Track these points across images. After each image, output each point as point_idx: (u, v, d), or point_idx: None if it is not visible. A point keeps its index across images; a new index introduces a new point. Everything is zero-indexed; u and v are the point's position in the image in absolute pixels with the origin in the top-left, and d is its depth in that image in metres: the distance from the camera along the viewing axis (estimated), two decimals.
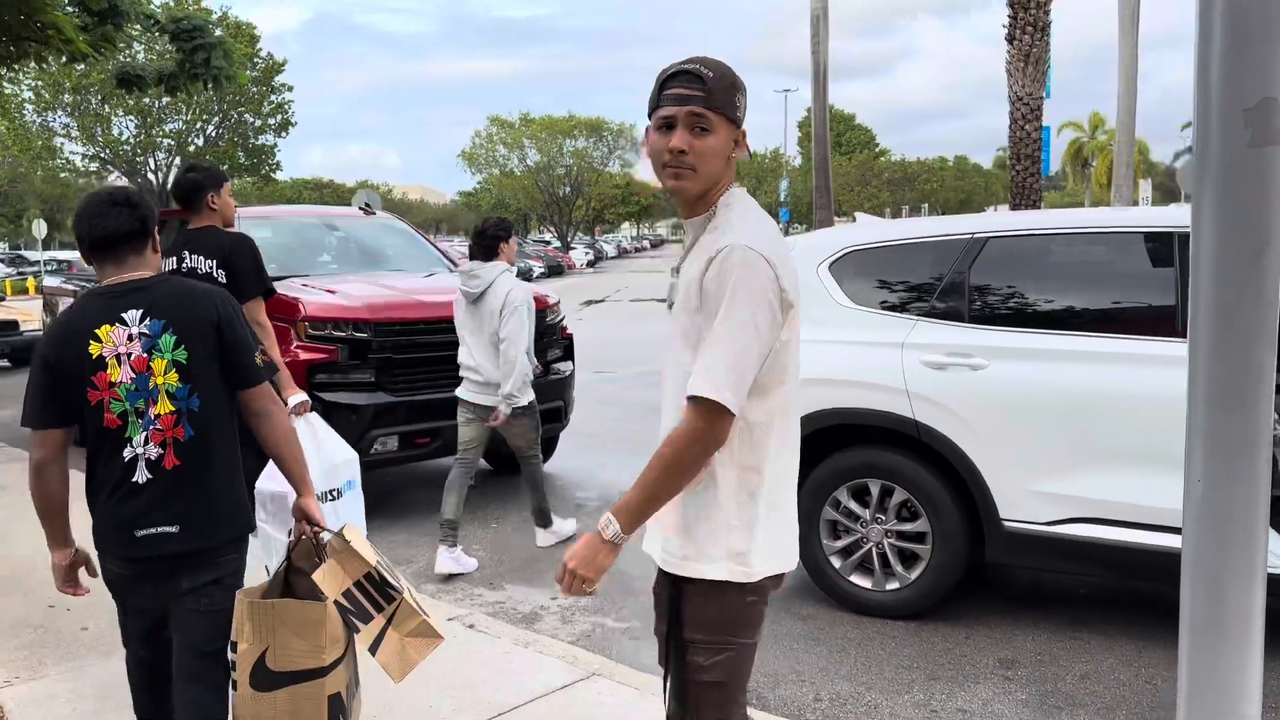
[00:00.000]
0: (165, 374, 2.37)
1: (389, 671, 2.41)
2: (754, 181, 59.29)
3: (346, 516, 3.42)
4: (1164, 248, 3.93)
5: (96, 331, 2.35)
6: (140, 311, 2.38)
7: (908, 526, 4.16)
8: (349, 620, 2.42)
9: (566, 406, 6.74)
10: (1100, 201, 53.42)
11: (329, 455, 3.76)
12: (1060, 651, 3.90)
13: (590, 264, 51.41)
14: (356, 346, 5.82)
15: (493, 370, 5.04)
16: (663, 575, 2.06)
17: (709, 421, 1.82)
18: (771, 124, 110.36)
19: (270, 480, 3.43)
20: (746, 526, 1.93)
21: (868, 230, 4.52)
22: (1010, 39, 13.25)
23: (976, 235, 4.18)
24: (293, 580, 2.54)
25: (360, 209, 7.99)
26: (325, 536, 2.52)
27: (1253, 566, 1.68)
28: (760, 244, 1.84)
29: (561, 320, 6.88)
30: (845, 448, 4.26)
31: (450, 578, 4.89)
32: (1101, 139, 55.74)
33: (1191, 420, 1.69)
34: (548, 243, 56.46)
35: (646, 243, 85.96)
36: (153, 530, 2.37)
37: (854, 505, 4.26)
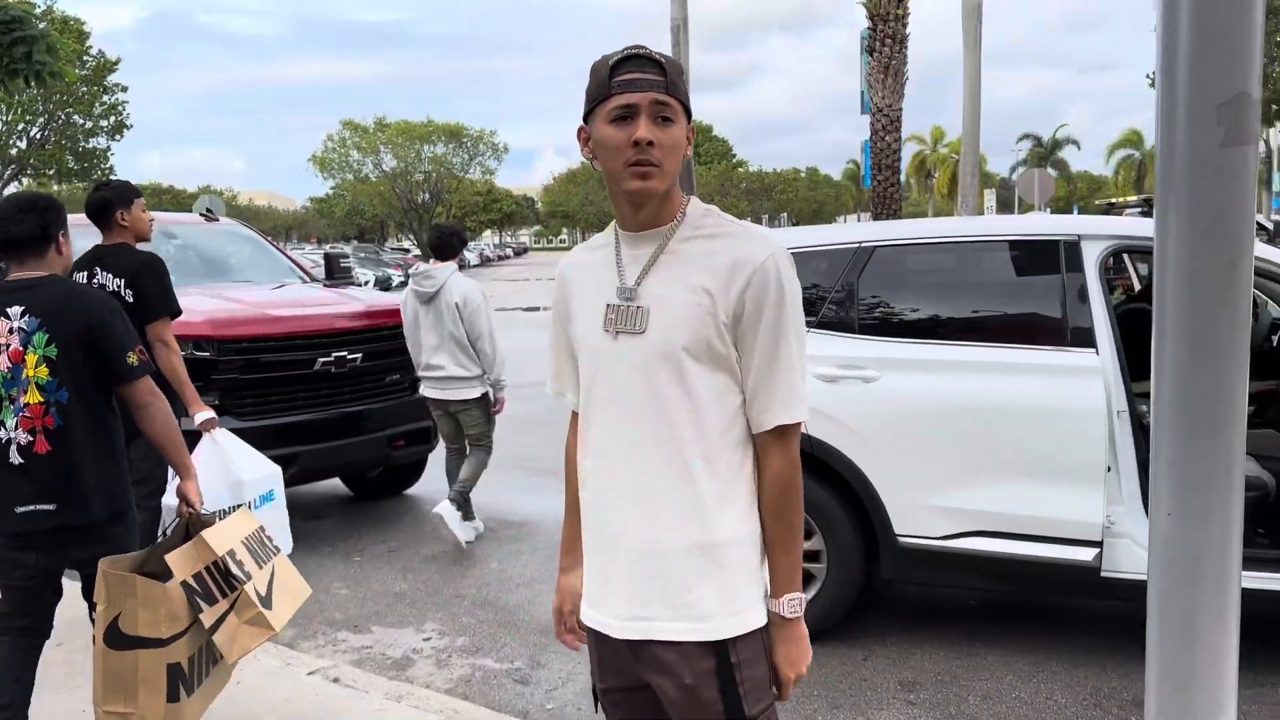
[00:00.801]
0: (36, 367, 2.70)
1: (223, 651, 2.79)
2: None
3: (271, 531, 3.28)
4: (1050, 255, 3.90)
5: None
6: (22, 308, 2.72)
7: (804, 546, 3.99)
8: (194, 600, 2.73)
9: (436, 426, 6.34)
10: (943, 211, 55.96)
11: (236, 471, 3.79)
12: (960, 670, 3.80)
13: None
14: (198, 367, 5.26)
15: (454, 367, 5.47)
16: (676, 655, 1.66)
17: (797, 445, 1.70)
18: None
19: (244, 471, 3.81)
20: (761, 548, 1.73)
21: None
22: (870, 51, 13.55)
23: (864, 244, 4.07)
24: (166, 560, 2.77)
25: (202, 215, 7.35)
26: (206, 515, 2.95)
27: (1227, 606, 1.53)
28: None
29: None
30: None
31: (313, 620, 4.45)
32: (943, 151, 58.43)
33: (1158, 448, 1.52)
34: (407, 251, 55.00)
35: (510, 250, 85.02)
36: (31, 508, 2.71)
37: None
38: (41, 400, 2.70)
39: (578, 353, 1.78)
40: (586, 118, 1.69)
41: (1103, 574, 3.65)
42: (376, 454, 6.01)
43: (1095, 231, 3.90)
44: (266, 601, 2.84)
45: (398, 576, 5.09)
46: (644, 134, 1.60)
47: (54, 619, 2.94)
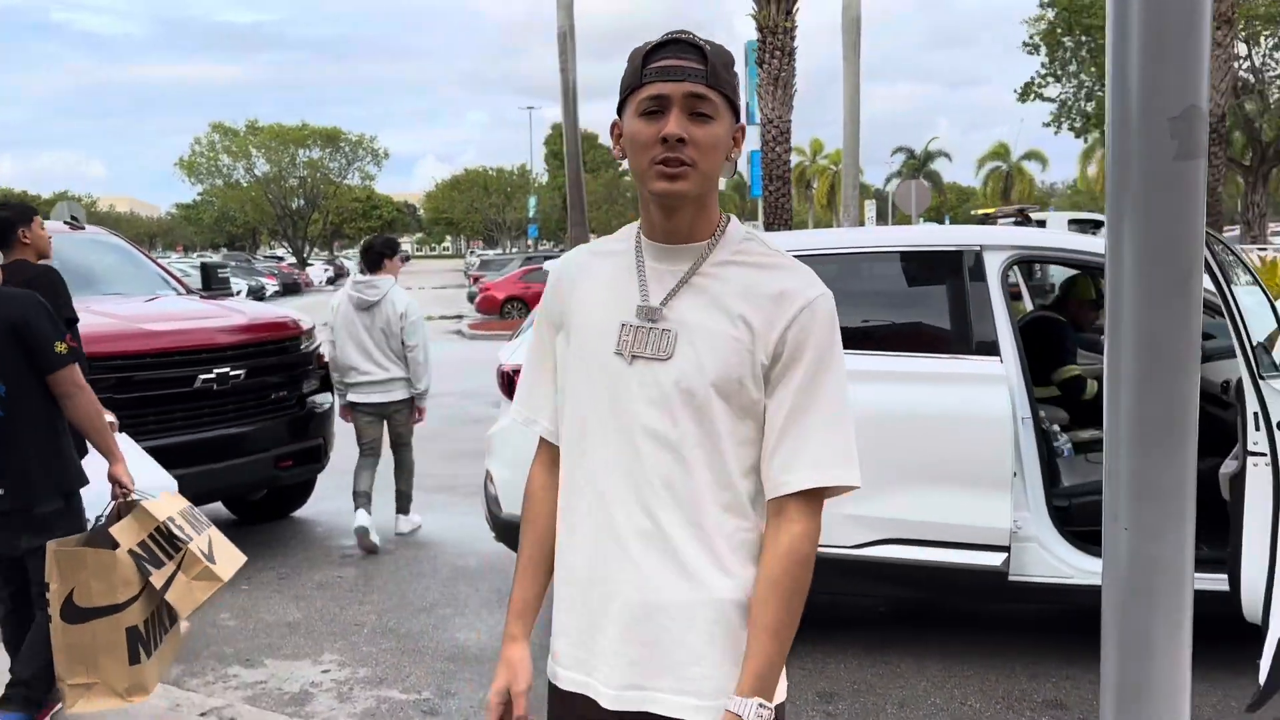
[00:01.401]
0: None
1: (176, 607, 3.02)
2: (502, 198, 58.88)
3: None
4: (955, 265, 3.96)
5: None
6: None
7: None
8: (142, 566, 2.98)
9: (326, 444, 6.08)
10: (823, 222, 57.43)
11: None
12: (875, 679, 3.81)
13: (330, 281, 48.95)
14: None
15: (389, 371, 5.74)
16: None
17: (820, 517, 1.47)
18: (517, 141, 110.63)
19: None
20: None
21: None
22: (760, 63, 13.72)
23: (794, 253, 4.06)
24: (110, 533, 3.00)
25: (66, 223, 6.87)
26: (135, 497, 3.10)
27: (1182, 618, 1.53)
28: None
29: (317, 347, 6.20)
30: None
31: (202, 653, 4.17)
32: (822, 163, 59.99)
33: (1114, 461, 1.51)
34: (281, 259, 53.19)
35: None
36: None
37: None
38: None
39: (567, 372, 1.54)
40: (620, 109, 1.49)
41: (1010, 578, 3.72)
42: (262, 475, 5.70)
43: (997, 242, 3.98)
44: (211, 558, 3.06)
45: (290, 605, 4.82)
46: (673, 129, 1.39)
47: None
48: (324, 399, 6.11)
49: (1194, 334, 1.50)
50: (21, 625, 3.21)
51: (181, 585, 2.99)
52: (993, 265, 3.91)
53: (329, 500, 6.60)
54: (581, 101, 20.65)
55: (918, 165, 54.88)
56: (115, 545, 2.97)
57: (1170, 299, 1.48)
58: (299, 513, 6.51)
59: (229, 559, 3.17)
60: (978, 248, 3.94)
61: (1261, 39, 24.09)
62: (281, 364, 5.77)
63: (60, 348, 3.05)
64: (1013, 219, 14.20)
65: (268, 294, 32.35)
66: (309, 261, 54.00)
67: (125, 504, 3.11)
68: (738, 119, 1.48)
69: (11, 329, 2.99)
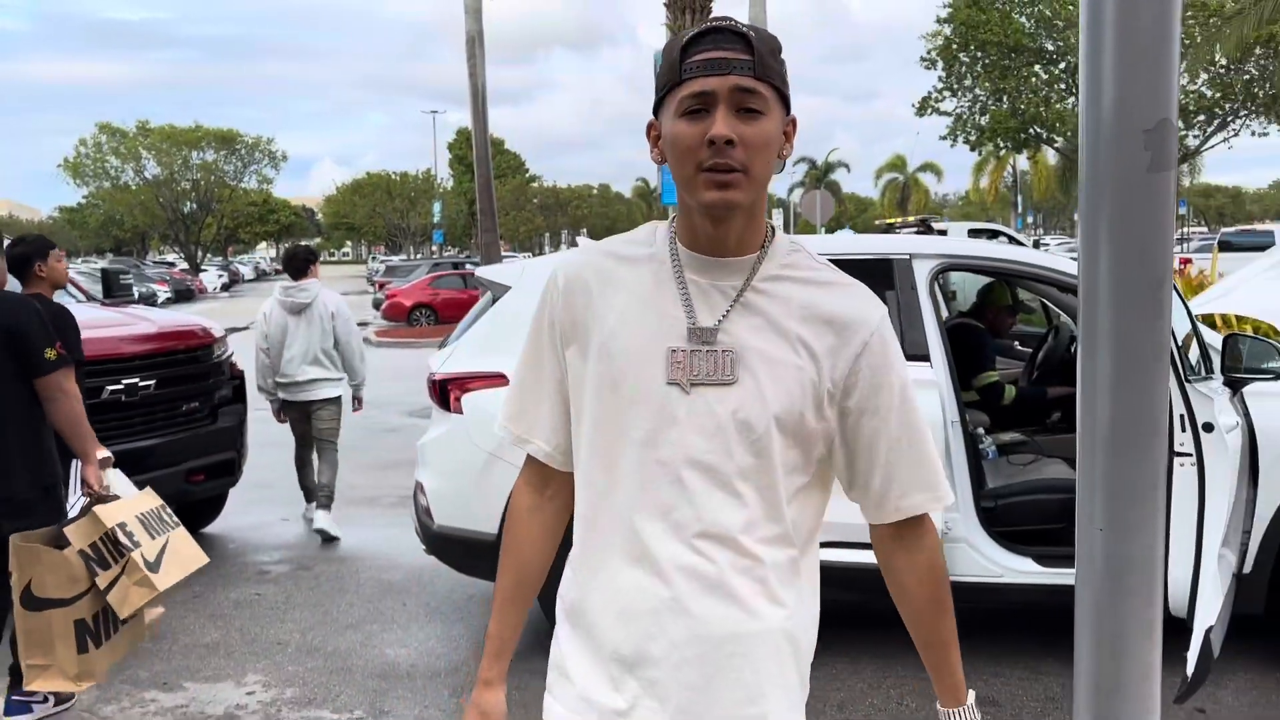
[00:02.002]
0: None
1: (115, 607, 3.22)
2: (405, 203, 57.88)
3: None
4: (886, 273, 4.04)
5: None
6: None
7: None
8: (90, 565, 3.20)
9: (240, 457, 5.86)
10: None
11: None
12: (813, 682, 3.82)
13: (225, 287, 47.34)
14: None
15: (320, 371, 5.99)
16: None
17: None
18: (420, 145, 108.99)
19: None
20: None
21: None
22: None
23: None
24: (65, 533, 3.21)
25: None
26: (106, 496, 3.34)
27: (1153, 619, 1.58)
28: None
29: (230, 356, 5.98)
30: None
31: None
32: None
33: (1087, 463, 1.54)
34: (172, 265, 51.21)
35: None
36: None
37: None
38: None
39: (591, 396, 1.38)
40: (656, 109, 1.34)
41: None
42: (173, 490, 5.42)
43: (925, 251, 4.08)
44: (153, 567, 3.25)
45: (207, 625, 4.62)
46: (721, 130, 1.24)
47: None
48: (237, 410, 5.89)
49: (1164, 339, 1.55)
50: (3, 612, 3.38)
51: (122, 588, 3.22)
52: (921, 273, 4.00)
53: (242, 515, 6.37)
54: (489, 106, 20.54)
55: (819, 175, 56.12)
56: (66, 545, 3.21)
57: (1143, 306, 1.52)
58: (210, 528, 6.25)
59: (178, 566, 3.37)
60: (907, 256, 4.03)
61: None
62: (192, 374, 5.54)
63: (50, 354, 3.25)
64: (914, 229, 14.65)
65: (159, 301, 31.09)
66: (202, 267, 52.07)
67: (91, 504, 3.33)
68: (789, 110, 1.34)
69: (5, 332, 3.20)
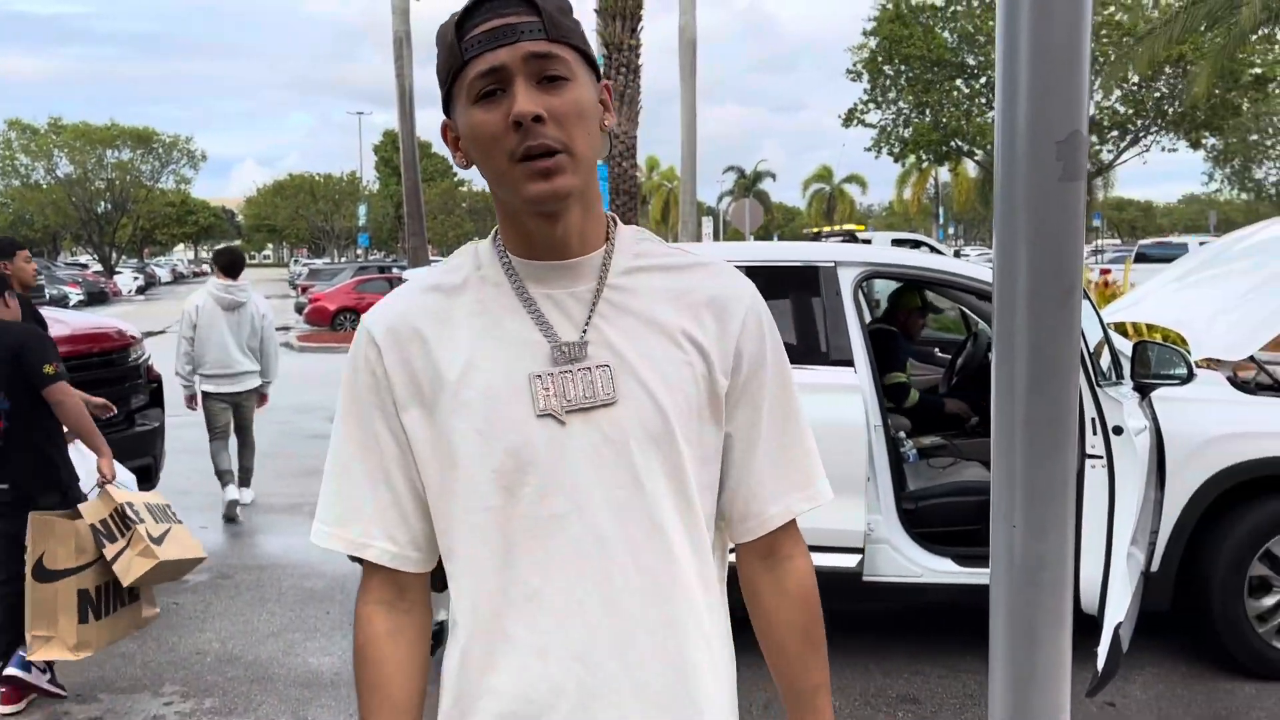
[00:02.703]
0: None
1: (120, 575, 3.59)
2: (330, 205, 56.88)
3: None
4: (813, 280, 4.11)
5: None
6: None
7: None
8: (99, 539, 3.59)
9: (157, 464, 5.69)
10: (659, 236, 58.38)
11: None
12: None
13: (140, 290, 45.92)
14: None
15: (248, 364, 6.49)
16: None
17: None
18: (345, 146, 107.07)
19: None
20: None
21: None
22: (607, 78, 13.80)
23: None
24: (79, 509, 3.67)
25: None
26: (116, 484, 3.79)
27: (1064, 613, 1.64)
28: None
29: (147, 359, 5.81)
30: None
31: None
32: (656, 179, 61.09)
33: (1002, 463, 1.60)
34: (85, 266, 49.47)
35: (207, 266, 78.97)
36: None
37: None
38: None
39: (451, 463, 1.12)
40: (446, 106, 1.14)
41: (864, 579, 3.88)
42: (85, 497, 5.28)
43: (849, 259, 4.16)
44: (156, 541, 3.63)
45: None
46: (524, 106, 1.04)
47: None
48: (154, 415, 5.73)
49: (1075, 345, 1.61)
50: (17, 604, 3.64)
51: (127, 559, 3.58)
52: (846, 280, 4.08)
53: None
54: (418, 108, 20.32)
55: (748, 184, 56.75)
56: (79, 517, 3.61)
57: (1055, 312, 1.58)
58: None
59: (179, 548, 3.73)
60: (833, 264, 4.11)
61: None
62: (108, 378, 5.37)
63: (49, 369, 3.66)
64: (840, 238, 15.02)
65: (70, 303, 30.02)
66: (117, 269, 50.43)
67: (101, 488, 3.77)
68: (599, 76, 1.14)
69: (12, 355, 3.64)
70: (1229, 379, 4.52)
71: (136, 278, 47.36)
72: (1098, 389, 3.30)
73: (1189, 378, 3.71)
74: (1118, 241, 59.73)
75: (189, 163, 54.55)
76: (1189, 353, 4.38)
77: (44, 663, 3.72)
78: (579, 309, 1.14)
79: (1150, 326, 8.60)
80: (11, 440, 3.67)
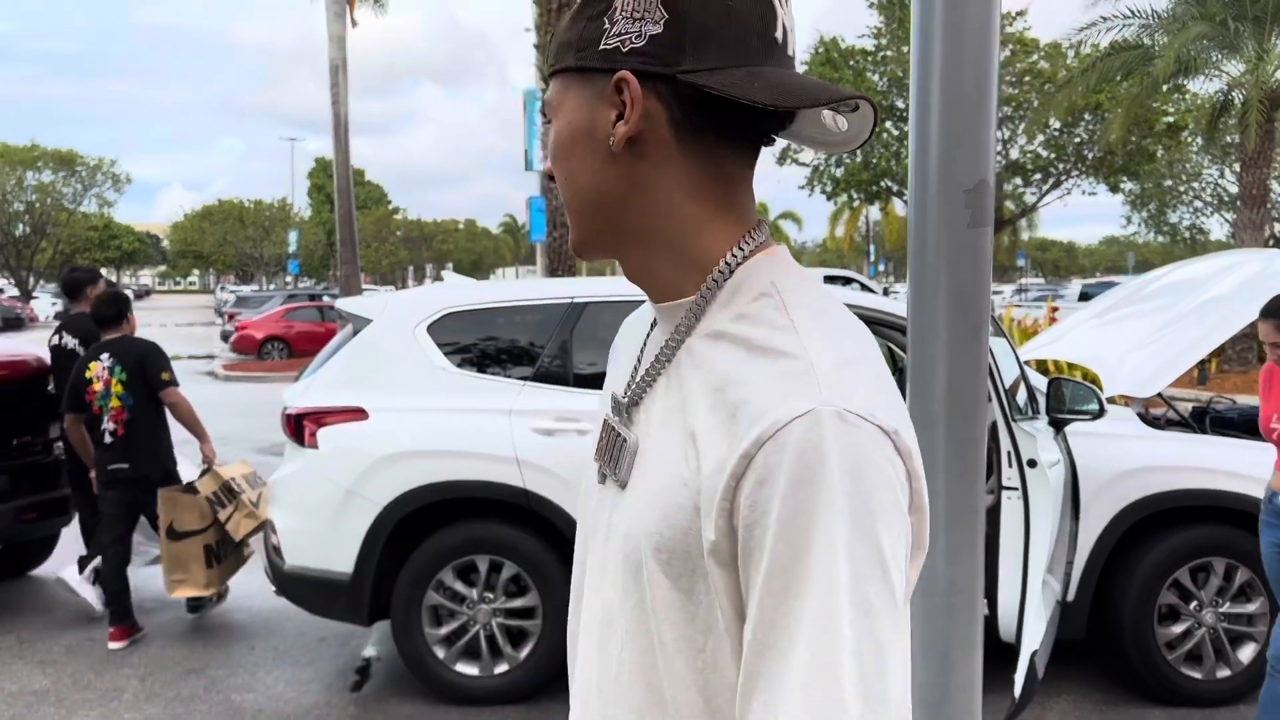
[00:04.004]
0: (115, 387, 4.68)
1: (231, 532, 4.74)
2: (260, 231, 55.91)
3: None
4: None
5: (90, 365, 4.73)
6: (109, 355, 4.73)
7: (517, 603, 3.94)
8: (213, 507, 4.74)
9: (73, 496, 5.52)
10: (596, 270, 58.61)
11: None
12: None
13: (59, 315, 44.46)
14: None
15: None
16: None
17: None
18: (276, 173, 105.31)
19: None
20: None
21: (466, 292, 4.29)
22: (544, 111, 13.88)
23: (575, 300, 4.14)
24: (195, 485, 4.81)
25: None
26: (215, 465, 4.96)
27: (976, 635, 1.72)
28: (873, 400, 0.77)
29: None
30: (450, 524, 3.93)
31: None
32: None
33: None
34: (1, 291, 47.82)
35: (130, 292, 76.57)
36: (114, 467, 4.72)
37: (460, 586, 3.94)
38: (119, 405, 4.68)
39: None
40: None
41: None
42: (2, 529, 5.12)
43: None
44: (255, 505, 4.78)
45: (35, 672, 4.33)
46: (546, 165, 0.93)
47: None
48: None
49: (984, 377, 1.70)
50: (124, 560, 4.80)
51: (236, 519, 4.72)
52: None
53: (75, 557, 6.00)
54: (352, 136, 20.17)
55: None
56: (197, 493, 4.73)
57: (966, 347, 1.67)
58: (40, 570, 5.87)
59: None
60: None
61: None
62: (24, 407, 5.22)
63: (165, 376, 4.76)
64: None
65: None
66: (34, 294, 48.83)
67: (208, 469, 4.86)
68: (611, 70, 0.83)
69: (138, 364, 4.71)
70: (1139, 415, 4.71)
71: (54, 303, 45.84)
72: (1013, 423, 3.42)
73: (1100, 413, 3.86)
74: (1041, 280, 61.54)
75: (113, 186, 53.28)
76: (1102, 389, 4.56)
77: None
78: (650, 364, 0.89)
79: (1072, 365, 8.91)
80: (133, 430, 4.70)
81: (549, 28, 10.73)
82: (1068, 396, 3.90)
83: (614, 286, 4.26)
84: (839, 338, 0.81)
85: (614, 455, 0.89)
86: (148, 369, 4.68)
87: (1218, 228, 30.57)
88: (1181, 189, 30.65)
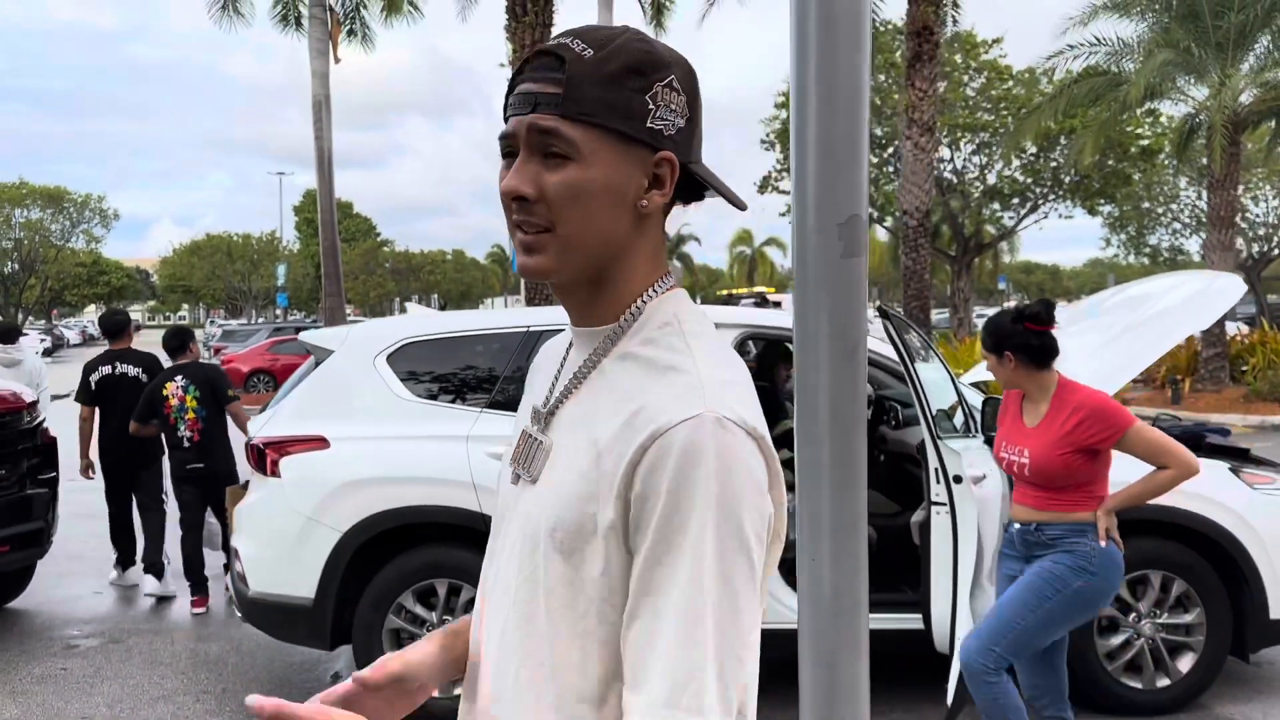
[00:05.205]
0: (190, 402, 5.78)
1: None
2: (248, 265, 56.04)
3: None
4: None
5: (166, 385, 5.83)
6: (182, 376, 5.85)
7: None
8: None
9: (49, 528, 5.63)
10: None
11: None
12: None
13: (48, 352, 44.42)
14: None
15: None
16: None
17: None
18: (265, 206, 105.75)
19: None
20: None
21: (425, 322, 4.42)
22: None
23: (531, 328, 4.28)
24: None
25: None
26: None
27: (860, 638, 1.84)
28: (744, 411, 0.98)
29: (42, 423, 5.77)
30: (409, 549, 4.05)
31: None
32: None
33: (804, 503, 1.81)
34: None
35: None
36: (192, 466, 5.81)
37: (420, 610, 4.04)
38: (194, 416, 5.76)
39: None
40: None
41: None
42: None
43: (727, 321, 4.41)
44: None
45: (6, 701, 4.41)
46: (509, 183, 1.00)
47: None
48: (47, 478, 5.68)
49: (862, 394, 1.84)
50: (200, 543, 5.84)
51: None
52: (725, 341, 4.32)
53: (52, 589, 6.09)
54: (337, 170, 20.37)
55: (671, 248, 57.75)
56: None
57: (845, 367, 1.81)
58: (16, 603, 5.94)
59: None
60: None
61: (961, 144, 27.52)
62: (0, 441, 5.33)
63: (231, 393, 5.93)
64: (753, 300, 15.49)
65: None
66: (23, 331, 48.75)
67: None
68: (653, 147, 1.02)
69: (210, 382, 5.87)
70: None
71: (43, 339, 45.80)
72: (939, 441, 3.56)
73: None
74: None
75: (101, 222, 53.41)
76: None
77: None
78: (570, 378, 1.08)
79: None
80: (205, 437, 5.77)
81: None
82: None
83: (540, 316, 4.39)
84: (722, 362, 1.05)
85: (529, 458, 1.07)
86: (217, 388, 5.86)
87: (1196, 249, 30.97)
88: (1160, 211, 31.06)
